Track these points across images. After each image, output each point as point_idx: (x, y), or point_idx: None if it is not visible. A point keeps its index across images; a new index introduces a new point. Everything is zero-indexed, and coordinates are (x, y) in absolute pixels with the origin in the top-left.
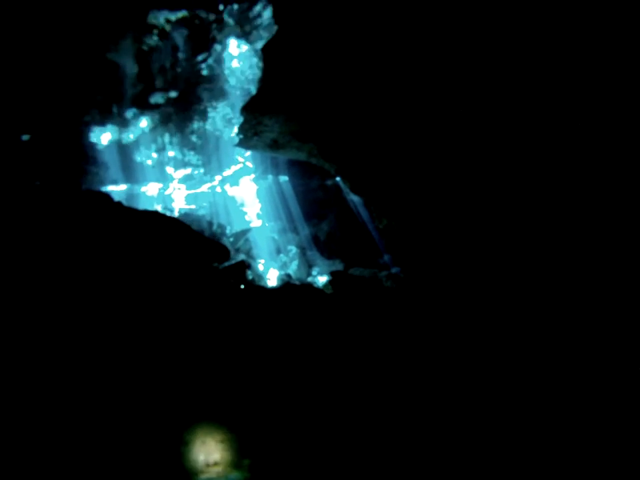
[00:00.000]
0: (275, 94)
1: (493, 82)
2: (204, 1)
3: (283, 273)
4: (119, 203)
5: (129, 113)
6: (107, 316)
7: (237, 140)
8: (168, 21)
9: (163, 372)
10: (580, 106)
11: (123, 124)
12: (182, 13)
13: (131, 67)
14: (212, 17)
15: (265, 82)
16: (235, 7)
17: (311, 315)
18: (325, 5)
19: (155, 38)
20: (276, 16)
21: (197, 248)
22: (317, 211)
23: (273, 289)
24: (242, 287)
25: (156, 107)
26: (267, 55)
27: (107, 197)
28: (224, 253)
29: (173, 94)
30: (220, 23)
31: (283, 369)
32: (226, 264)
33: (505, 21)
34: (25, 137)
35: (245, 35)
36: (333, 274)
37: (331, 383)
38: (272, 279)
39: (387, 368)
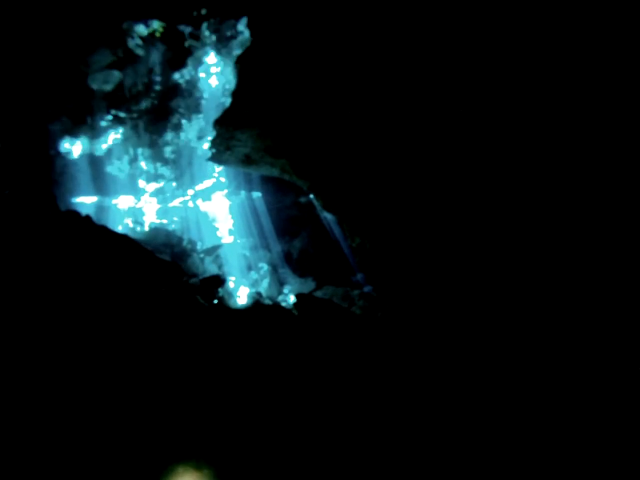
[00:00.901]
0: (248, 108)
1: (473, 102)
2: (182, 13)
3: (253, 290)
4: (88, 218)
5: (101, 123)
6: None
7: (210, 154)
8: (142, 37)
9: (123, 404)
10: (577, 106)
11: (95, 134)
12: (158, 25)
13: (104, 77)
14: (189, 29)
15: (238, 95)
16: (213, 20)
17: (278, 338)
18: (301, 18)
19: (130, 49)
20: (251, 27)
21: (148, 267)
22: (289, 228)
23: (241, 310)
24: (215, 302)
25: (129, 117)
26: (242, 67)
27: (75, 213)
28: (176, 271)
29: (146, 105)
30: (197, 35)
31: (253, 397)
32: (199, 278)
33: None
34: None
35: (222, 48)
36: (297, 297)
37: (300, 410)
38: (242, 297)
39: (351, 395)
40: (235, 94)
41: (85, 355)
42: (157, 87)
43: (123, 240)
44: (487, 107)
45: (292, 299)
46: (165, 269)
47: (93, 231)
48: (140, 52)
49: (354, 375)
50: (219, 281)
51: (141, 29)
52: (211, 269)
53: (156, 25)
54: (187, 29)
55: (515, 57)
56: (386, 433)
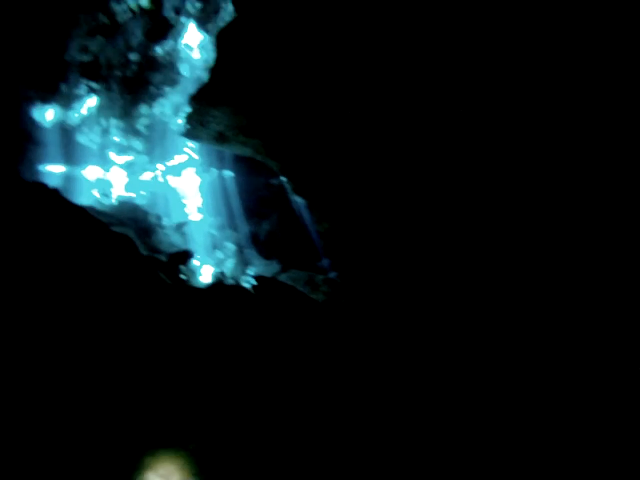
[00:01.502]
0: (225, 84)
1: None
2: None
3: (218, 270)
4: (55, 192)
5: (75, 91)
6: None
7: (184, 130)
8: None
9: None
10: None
11: (68, 102)
12: None
13: (81, 44)
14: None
15: (216, 71)
16: None
17: (238, 320)
18: None
19: (112, 17)
20: (235, 1)
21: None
22: (259, 210)
23: (202, 289)
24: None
25: (103, 88)
26: (222, 42)
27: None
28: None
29: (122, 76)
30: (180, 8)
31: (217, 380)
32: (165, 253)
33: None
34: None
35: (206, 22)
36: (257, 279)
37: (264, 395)
38: (206, 276)
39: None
40: (213, 70)
41: (38, 338)
42: (135, 59)
43: (84, 214)
44: (462, 95)
45: (256, 280)
46: (124, 244)
47: (55, 204)
48: (122, 20)
49: (311, 362)
50: (187, 256)
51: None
52: (176, 245)
53: None
54: (171, 1)
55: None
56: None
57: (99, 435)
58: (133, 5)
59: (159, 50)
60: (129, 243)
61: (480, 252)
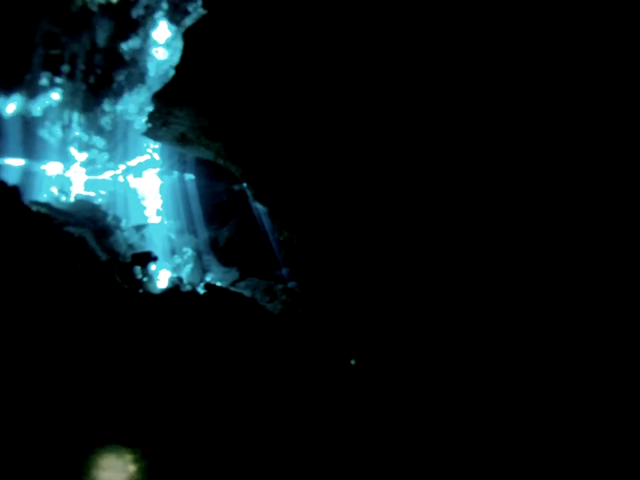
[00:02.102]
0: (188, 84)
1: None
2: None
3: (175, 275)
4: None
5: (39, 82)
6: None
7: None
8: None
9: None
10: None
11: (31, 94)
12: None
13: (47, 35)
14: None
15: (180, 70)
16: None
17: (191, 327)
18: None
19: (78, 9)
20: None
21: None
22: (219, 215)
23: (158, 295)
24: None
25: (68, 82)
26: (188, 40)
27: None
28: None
29: (87, 71)
30: (150, 5)
31: (166, 383)
32: (127, 255)
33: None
34: None
35: (175, 19)
36: (207, 287)
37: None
38: (163, 281)
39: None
40: (178, 68)
41: None
42: (100, 54)
43: (37, 217)
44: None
45: None
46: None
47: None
48: (89, 13)
49: (263, 372)
50: (150, 258)
51: None
52: (134, 247)
53: None
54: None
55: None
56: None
57: (41, 432)
58: None
59: (125, 47)
60: (85, 244)
61: (447, 257)
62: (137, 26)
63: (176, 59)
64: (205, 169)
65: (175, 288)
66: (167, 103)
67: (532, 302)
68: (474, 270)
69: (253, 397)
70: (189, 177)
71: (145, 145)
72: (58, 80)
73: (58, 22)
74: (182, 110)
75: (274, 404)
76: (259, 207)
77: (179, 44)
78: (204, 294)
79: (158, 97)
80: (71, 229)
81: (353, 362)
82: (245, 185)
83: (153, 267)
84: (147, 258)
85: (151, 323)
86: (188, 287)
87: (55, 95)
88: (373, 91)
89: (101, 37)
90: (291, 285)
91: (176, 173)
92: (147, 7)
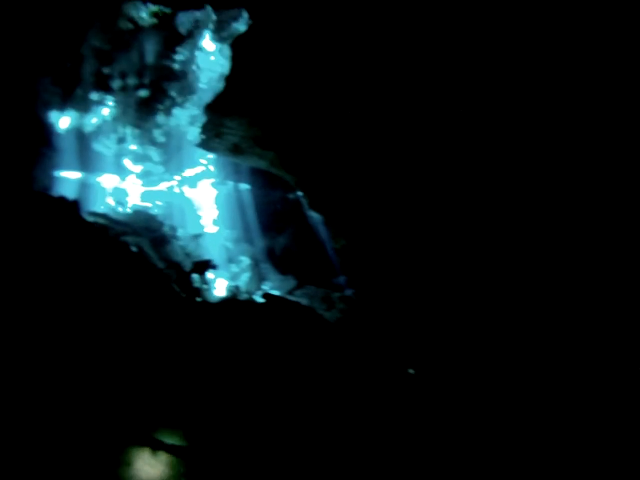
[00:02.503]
0: (240, 94)
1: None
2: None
3: (232, 284)
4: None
5: (91, 97)
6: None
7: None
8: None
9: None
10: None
11: (84, 109)
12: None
13: (97, 51)
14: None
15: (230, 81)
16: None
17: (250, 336)
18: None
19: (128, 26)
20: (250, 9)
21: None
22: (275, 224)
23: (215, 303)
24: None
25: (119, 95)
26: (236, 50)
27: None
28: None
29: (137, 86)
30: (197, 17)
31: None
32: (183, 263)
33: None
34: None
35: (222, 32)
36: (265, 296)
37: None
38: (219, 289)
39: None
40: (228, 79)
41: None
42: (150, 70)
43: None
44: (484, 106)
45: None
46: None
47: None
48: (138, 28)
49: (321, 378)
50: (209, 265)
51: (143, 12)
52: (191, 256)
53: (156, 8)
54: (189, 15)
55: (514, 57)
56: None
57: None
58: (148, 14)
59: (174, 60)
60: (142, 254)
61: (504, 272)
62: (186, 39)
63: (222, 68)
64: (260, 179)
65: (232, 296)
66: (219, 114)
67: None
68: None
69: (308, 406)
70: (244, 186)
71: (199, 156)
72: (109, 95)
73: (106, 37)
74: (234, 120)
75: (331, 413)
76: (314, 215)
77: (225, 54)
78: (261, 303)
79: (210, 109)
80: (128, 239)
81: (411, 371)
82: (300, 193)
83: (210, 275)
84: (205, 266)
85: (208, 330)
86: (245, 296)
87: (106, 110)
88: (434, 99)
89: (150, 52)
90: (348, 292)
91: (231, 183)
92: (195, 21)
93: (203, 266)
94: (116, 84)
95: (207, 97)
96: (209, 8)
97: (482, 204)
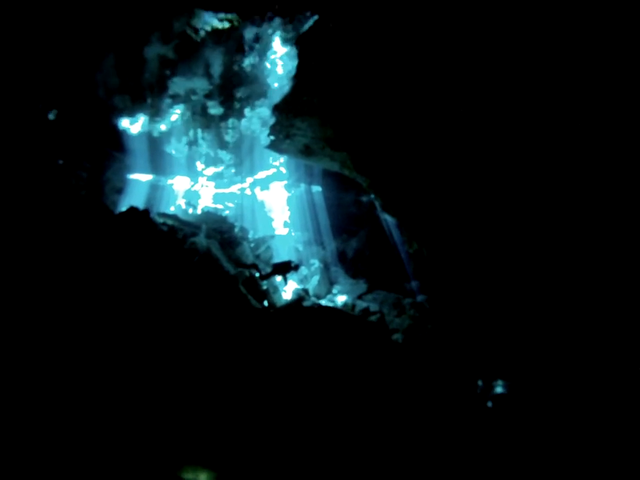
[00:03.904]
0: (308, 94)
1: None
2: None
3: (300, 287)
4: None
5: (162, 102)
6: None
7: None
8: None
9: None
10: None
11: (155, 113)
12: (234, 17)
13: (166, 58)
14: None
15: (298, 80)
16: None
17: (318, 342)
18: None
19: (199, 34)
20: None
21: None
22: (347, 227)
23: (283, 306)
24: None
25: (189, 99)
26: (303, 48)
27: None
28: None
29: (206, 86)
30: (266, 21)
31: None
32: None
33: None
34: (52, 115)
35: (290, 33)
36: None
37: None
38: (288, 292)
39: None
40: (295, 78)
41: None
42: (220, 74)
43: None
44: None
45: (340, 300)
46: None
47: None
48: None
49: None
50: (291, 267)
51: (214, 21)
52: (262, 259)
53: (230, 16)
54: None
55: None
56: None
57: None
58: (216, 22)
59: (243, 64)
60: (211, 255)
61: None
62: (255, 44)
63: (290, 66)
64: (333, 181)
65: (298, 300)
66: (288, 115)
67: None
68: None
69: (375, 421)
70: (316, 189)
71: (271, 158)
72: (178, 100)
73: (172, 44)
74: (304, 121)
75: (400, 430)
76: (387, 218)
77: (294, 54)
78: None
79: (278, 109)
80: (196, 240)
81: (479, 383)
82: (373, 195)
83: (278, 278)
84: (287, 267)
85: (277, 333)
86: (314, 299)
87: (176, 115)
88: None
89: (217, 59)
90: (420, 298)
91: (303, 185)
92: (259, 26)
93: (285, 267)
94: (183, 89)
95: (278, 98)
96: (277, 19)
97: (567, 206)
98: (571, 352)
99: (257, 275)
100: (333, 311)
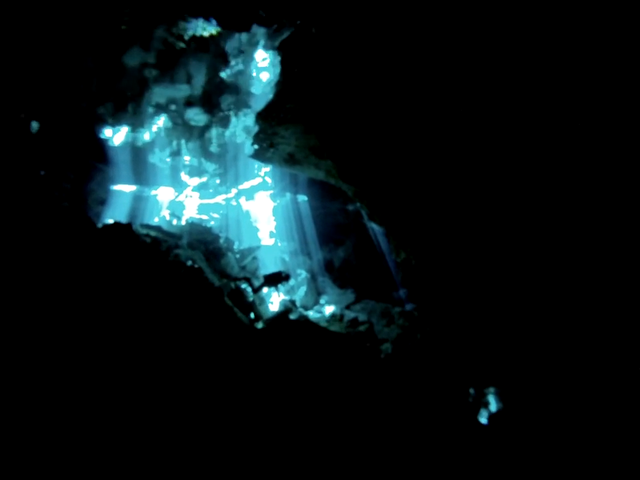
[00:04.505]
0: (292, 101)
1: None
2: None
3: (287, 298)
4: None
5: (144, 111)
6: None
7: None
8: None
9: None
10: (580, 106)
11: (138, 123)
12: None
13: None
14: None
15: (281, 86)
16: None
17: (305, 354)
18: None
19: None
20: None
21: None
22: (334, 236)
23: (270, 318)
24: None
25: (172, 109)
26: (285, 54)
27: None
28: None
29: (188, 95)
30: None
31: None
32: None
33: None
34: (34, 126)
35: (273, 40)
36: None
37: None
38: (275, 304)
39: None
40: (278, 85)
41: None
42: (203, 82)
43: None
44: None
45: (327, 310)
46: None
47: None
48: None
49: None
50: (282, 277)
51: (198, 29)
52: (247, 270)
53: (212, 29)
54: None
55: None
56: None
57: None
58: (199, 31)
59: (226, 73)
60: (195, 267)
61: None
62: (236, 52)
63: (273, 74)
64: (318, 190)
65: (285, 312)
66: (272, 123)
67: None
68: None
69: (365, 434)
70: (302, 198)
71: (256, 168)
72: (161, 109)
73: (153, 53)
74: (287, 129)
75: (390, 442)
76: (374, 226)
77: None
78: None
79: (261, 117)
80: (180, 252)
81: (471, 391)
82: (359, 204)
83: (264, 289)
84: (278, 278)
85: (263, 346)
86: (301, 310)
87: (160, 123)
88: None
89: (200, 68)
90: (408, 307)
91: (288, 195)
92: (244, 33)
93: (275, 278)
94: (167, 97)
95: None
96: (259, 29)
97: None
98: (564, 358)
99: (249, 288)
100: (318, 328)
